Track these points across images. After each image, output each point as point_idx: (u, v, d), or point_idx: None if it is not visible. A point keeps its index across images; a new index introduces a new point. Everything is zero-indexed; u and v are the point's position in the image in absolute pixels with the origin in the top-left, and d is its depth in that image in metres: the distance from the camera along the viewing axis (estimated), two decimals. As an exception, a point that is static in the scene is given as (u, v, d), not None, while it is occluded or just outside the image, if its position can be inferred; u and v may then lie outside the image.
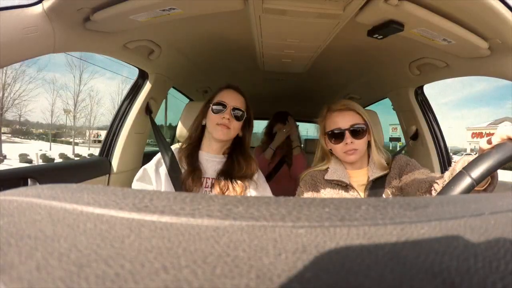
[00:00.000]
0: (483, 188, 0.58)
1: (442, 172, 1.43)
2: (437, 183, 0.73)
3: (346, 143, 0.85)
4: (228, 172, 0.90)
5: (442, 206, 0.19)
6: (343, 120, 0.87)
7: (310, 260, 0.13)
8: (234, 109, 0.92)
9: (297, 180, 0.99)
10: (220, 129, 0.90)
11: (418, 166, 0.87)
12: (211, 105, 0.93)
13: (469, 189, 0.47)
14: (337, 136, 0.87)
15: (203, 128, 0.96)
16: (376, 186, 0.87)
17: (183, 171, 0.91)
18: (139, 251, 0.13)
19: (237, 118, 0.92)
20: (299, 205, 0.17)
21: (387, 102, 1.72)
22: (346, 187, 0.87)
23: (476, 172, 0.47)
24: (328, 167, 0.92)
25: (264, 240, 0.14)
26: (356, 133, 0.86)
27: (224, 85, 0.99)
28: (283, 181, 1.63)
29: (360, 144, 0.86)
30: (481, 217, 0.17)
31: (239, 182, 0.89)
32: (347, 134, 0.85)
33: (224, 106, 0.91)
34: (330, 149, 0.93)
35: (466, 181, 0.47)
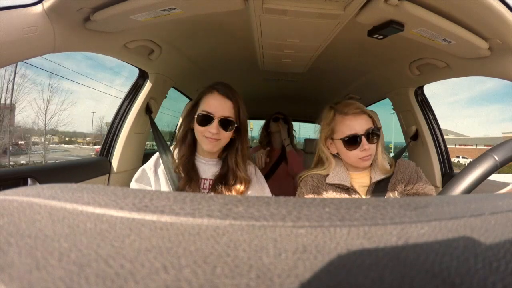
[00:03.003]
0: None
1: (442, 172, 1.43)
2: None
3: (364, 149, 0.82)
4: (225, 178, 0.87)
5: (442, 206, 0.19)
6: (359, 125, 0.83)
7: (310, 260, 0.13)
8: (221, 120, 0.83)
9: (295, 179, 0.98)
10: (209, 142, 0.84)
11: (425, 179, 0.87)
12: (195, 115, 0.85)
13: (492, 171, 0.47)
14: (353, 141, 0.82)
15: (193, 132, 0.89)
16: (378, 188, 0.85)
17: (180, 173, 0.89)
18: (139, 251, 0.13)
19: (226, 128, 0.85)
20: (299, 205, 0.17)
21: (386, 102, 1.72)
22: (348, 190, 0.85)
23: (501, 155, 0.47)
24: (329, 171, 0.88)
25: (264, 240, 0.14)
26: (371, 138, 0.83)
27: (209, 87, 0.88)
28: (282, 180, 1.63)
29: (374, 148, 0.84)
30: (481, 217, 0.17)
31: (236, 187, 0.86)
32: (364, 139, 0.82)
33: (211, 118, 0.83)
34: (336, 153, 0.89)
35: (489, 162, 0.47)
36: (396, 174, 0.86)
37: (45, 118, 16.48)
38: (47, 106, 16.56)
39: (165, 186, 0.88)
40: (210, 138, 0.83)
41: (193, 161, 0.90)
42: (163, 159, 0.93)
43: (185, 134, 0.90)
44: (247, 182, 0.89)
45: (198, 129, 0.85)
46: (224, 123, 0.84)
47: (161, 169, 0.91)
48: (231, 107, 0.86)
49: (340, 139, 0.84)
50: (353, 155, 0.84)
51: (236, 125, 0.87)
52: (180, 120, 1.17)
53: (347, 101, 0.90)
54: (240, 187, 0.86)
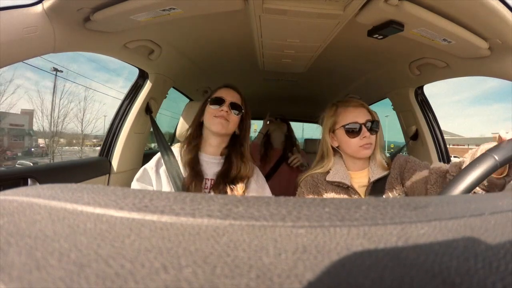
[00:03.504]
0: (502, 176, 0.58)
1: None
2: (446, 170, 0.72)
3: (365, 137, 0.86)
4: (226, 175, 0.89)
5: (442, 206, 0.19)
6: (360, 115, 0.88)
7: (310, 260, 0.13)
8: (232, 103, 0.94)
9: (296, 179, 0.99)
10: (219, 121, 0.90)
11: (417, 161, 0.88)
12: (208, 100, 0.95)
13: (492, 170, 0.46)
14: (354, 130, 0.87)
15: (201, 127, 0.96)
16: (376, 188, 0.87)
17: (183, 172, 0.90)
18: (139, 251, 0.13)
19: (235, 112, 0.94)
20: (299, 205, 0.17)
21: (386, 102, 1.72)
22: (347, 189, 0.87)
23: (501, 155, 0.47)
24: (329, 169, 0.91)
25: (264, 240, 0.14)
26: (371, 128, 0.87)
27: (221, 85, 1.01)
28: (283, 180, 1.63)
29: (374, 139, 0.88)
30: (481, 217, 0.17)
31: (237, 184, 0.89)
32: (364, 128, 0.86)
33: (222, 100, 0.94)
34: (336, 147, 0.92)
35: (489, 161, 0.46)
36: (392, 172, 0.88)
37: (82, 125, 17.72)
38: (83, 115, 17.67)
39: (166, 186, 0.88)
40: (220, 116, 0.91)
41: (198, 157, 0.93)
42: (165, 159, 0.94)
43: (195, 130, 0.97)
44: (248, 180, 0.93)
45: (210, 111, 0.94)
46: (234, 106, 0.94)
47: (162, 169, 0.91)
48: (240, 98, 0.98)
49: (342, 126, 0.89)
50: (354, 143, 0.87)
51: (243, 112, 0.97)
52: (181, 119, 1.17)
53: (348, 98, 0.93)
54: (241, 184, 0.89)
